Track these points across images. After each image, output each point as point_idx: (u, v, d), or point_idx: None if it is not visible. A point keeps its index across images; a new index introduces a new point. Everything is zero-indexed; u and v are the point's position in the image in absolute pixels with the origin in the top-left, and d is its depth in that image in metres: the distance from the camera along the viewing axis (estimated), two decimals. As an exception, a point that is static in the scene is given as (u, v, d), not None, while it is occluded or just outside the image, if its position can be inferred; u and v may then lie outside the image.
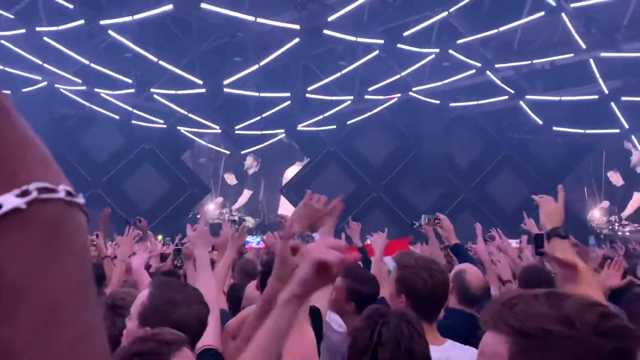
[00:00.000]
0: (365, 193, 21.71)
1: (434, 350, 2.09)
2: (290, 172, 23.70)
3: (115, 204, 17.98)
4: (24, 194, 0.44)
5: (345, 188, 21.47)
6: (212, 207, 23.93)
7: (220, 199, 24.46)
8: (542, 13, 14.11)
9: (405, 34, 14.43)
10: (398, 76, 16.52)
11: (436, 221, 4.71)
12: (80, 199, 0.47)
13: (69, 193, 0.46)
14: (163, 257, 5.52)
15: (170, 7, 14.11)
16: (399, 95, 17.87)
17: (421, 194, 20.83)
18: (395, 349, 1.79)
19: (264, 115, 17.90)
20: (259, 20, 14.07)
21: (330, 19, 13.41)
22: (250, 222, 22.89)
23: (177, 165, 21.61)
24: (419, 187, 20.87)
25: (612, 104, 17.51)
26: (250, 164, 24.56)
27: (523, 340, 1.02)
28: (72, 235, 0.46)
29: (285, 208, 21.29)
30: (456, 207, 20.43)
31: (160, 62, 14.85)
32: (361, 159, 21.95)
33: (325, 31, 13.93)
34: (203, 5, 13.94)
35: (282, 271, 1.75)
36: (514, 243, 6.50)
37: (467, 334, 2.82)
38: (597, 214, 24.94)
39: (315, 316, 2.63)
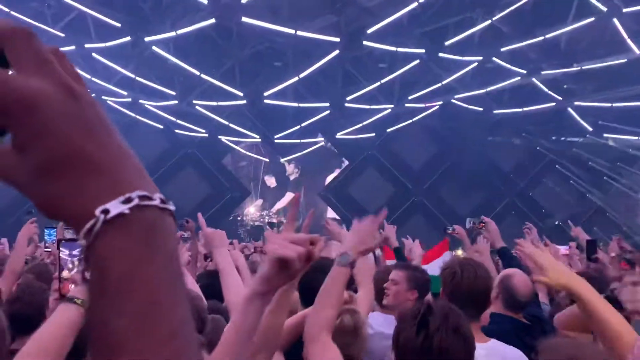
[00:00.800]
0: (405, 197, 21.41)
1: (479, 348, 2.08)
2: (331, 178, 23.70)
3: None
4: (128, 200, 0.49)
5: (385, 191, 21.40)
6: (252, 209, 24.18)
7: (260, 202, 24.66)
8: (592, 19, 13.55)
9: (447, 43, 14.13)
10: (439, 84, 16.22)
11: (481, 225, 4.63)
12: (171, 206, 0.53)
13: (162, 201, 0.52)
14: (206, 257, 5.64)
15: (212, 21, 14.36)
16: (440, 102, 17.57)
17: (463, 198, 20.38)
18: (444, 319, 1.82)
19: (303, 125, 17.94)
20: (299, 33, 14.11)
21: (369, 31, 13.30)
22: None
23: (218, 169, 21.90)
24: (461, 192, 20.45)
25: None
26: (292, 171, 24.70)
27: None
28: (166, 237, 0.51)
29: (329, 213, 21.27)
30: (500, 212, 19.87)
31: (202, 76, 15.08)
32: (400, 162, 21.65)
33: (365, 42, 13.83)
34: (244, 19, 14.10)
35: None
36: (562, 249, 6.25)
37: (515, 340, 2.81)
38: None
39: None
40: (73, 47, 14.79)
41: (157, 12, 14.45)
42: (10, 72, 0.50)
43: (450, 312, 1.88)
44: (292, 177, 24.46)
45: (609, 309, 1.98)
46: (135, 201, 0.49)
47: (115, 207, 0.49)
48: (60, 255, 2.31)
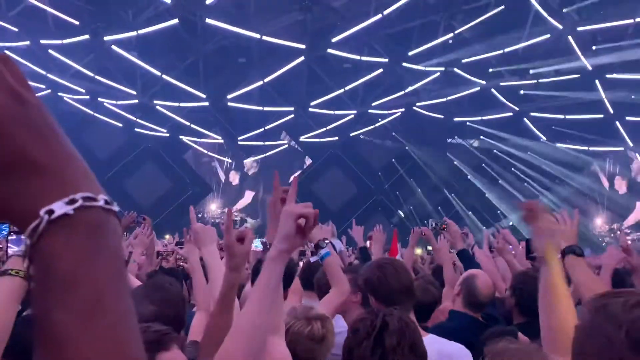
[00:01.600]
0: (368, 196, 21.65)
1: None
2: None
3: (117, 202, 17.94)
4: (72, 202, 0.51)
5: (347, 191, 21.59)
6: (213, 207, 23.94)
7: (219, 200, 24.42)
8: (548, 35, 14.05)
9: (411, 53, 14.37)
10: (402, 92, 16.48)
11: (443, 226, 4.73)
12: (115, 207, 0.55)
13: (106, 202, 0.54)
14: (158, 255, 5.58)
15: (175, 21, 14.09)
16: (402, 109, 17.85)
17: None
18: (401, 337, 1.78)
19: (267, 128, 17.88)
20: (265, 38, 14.03)
21: (334, 40, 13.36)
22: (250, 223, 22.88)
23: (179, 164, 21.55)
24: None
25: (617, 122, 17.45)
26: (250, 165, 24.56)
27: None
28: (109, 236, 0.53)
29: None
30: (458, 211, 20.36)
31: (164, 77, 14.80)
32: (363, 163, 21.81)
33: (330, 50, 13.89)
34: (208, 20, 13.91)
35: (233, 261, 1.90)
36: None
37: (471, 337, 2.86)
38: (599, 222, 24.94)
39: None
40: (27, 43, 14.31)
41: (118, 11, 14.05)
42: None
43: (406, 328, 1.82)
44: (250, 172, 24.32)
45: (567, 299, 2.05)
46: (80, 202, 0.51)
47: (60, 207, 0.51)
48: (8, 249, 2.31)
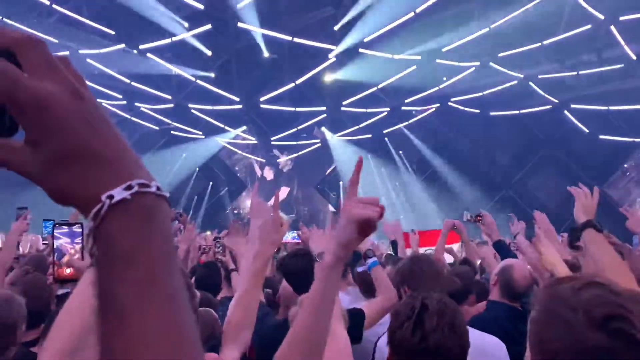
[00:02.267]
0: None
1: None
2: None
3: None
4: (129, 188, 0.56)
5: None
6: (249, 203, 24.15)
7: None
8: (589, 26, 13.50)
9: (444, 49, 14.07)
10: (436, 88, 16.18)
11: (479, 217, 4.66)
12: (166, 193, 0.60)
13: (158, 188, 0.59)
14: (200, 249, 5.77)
15: (208, 27, 14.22)
16: (437, 105, 17.54)
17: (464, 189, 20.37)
18: (440, 317, 1.81)
19: (299, 128, 17.91)
20: (296, 40, 14.00)
21: (366, 39, 13.21)
22: (284, 218, 22.92)
23: (214, 163, 21.81)
24: (457, 185, 20.45)
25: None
26: (285, 163, 24.70)
27: None
28: (161, 219, 0.58)
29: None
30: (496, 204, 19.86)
31: (199, 82, 15.00)
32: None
33: (362, 50, 13.74)
34: (240, 25, 13.98)
35: (272, 237, 2.13)
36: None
37: (509, 327, 2.90)
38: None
39: (358, 318, 2.89)
40: (67, 53, 14.73)
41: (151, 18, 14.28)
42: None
43: (445, 308, 1.84)
44: (285, 169, 24.43)
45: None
46: (135, 188, 0.56)
47: (119, 193, 0.56)
48: (57, 241, 2.39)
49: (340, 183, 21.06)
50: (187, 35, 14.57)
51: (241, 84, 16.65)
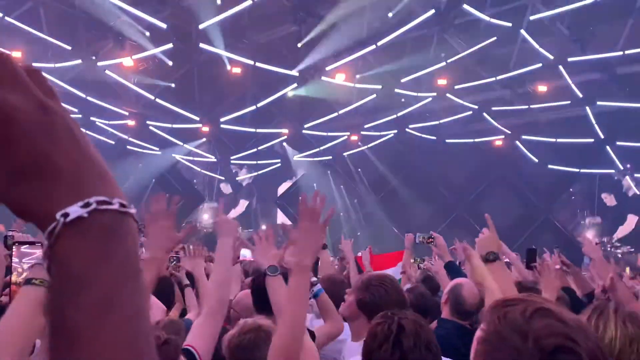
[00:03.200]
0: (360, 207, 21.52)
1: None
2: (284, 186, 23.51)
3: None
4: (86, 205, 0.54)
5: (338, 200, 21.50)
6: (206, 216, 23.81)
7: (213, 206, 24.21)
8: (540, 65, 14.18)
9: (403, 80, 14.45)
10: (395, 116, 16.56)
11: (430, 240, 4.73)
12: (132, 210, 0.57)
13: (122, 205, 0.56)
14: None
15: (169, 45, 14.10)
16: (395, 131, 17.93)
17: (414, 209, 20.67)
18: (417, 338, 1.88)
19: (260, 148, 17.92)
20: (258, 64, 14.06)
21: (328, 68, 13.42)
22: (242, 234, 22.69)
23: (171, 174, 21.36)
24: (412, 204, 20.77)
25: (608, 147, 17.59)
26: (244, 175, 24.51)
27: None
28: (123, 237, 0.56)
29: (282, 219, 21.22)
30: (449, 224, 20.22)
31: (158, 100, 14.81)
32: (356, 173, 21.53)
33: (324, 78, 13.93)
34: (202, 45, 13.92)
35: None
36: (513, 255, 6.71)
37: (459, 344, 2.96)
38: (589, 236, 25.09)
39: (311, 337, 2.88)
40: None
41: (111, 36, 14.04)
42: None
43: (421, 329, 1.92)
44: (244, 183, 24.22)
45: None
46: (93, 205, 0.54)
47: (75, 211, 0.54)
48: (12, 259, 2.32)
49: (300, 198, 21.06)
50: (150, 53, 14.36)
51: (202, 98, 16.50)
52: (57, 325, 0.52)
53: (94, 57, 14.22)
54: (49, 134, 0.55)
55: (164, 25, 13.37)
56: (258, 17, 13.98)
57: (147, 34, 13.74)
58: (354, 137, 17.75)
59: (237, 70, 14.20)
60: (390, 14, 12.63)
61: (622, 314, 2.23)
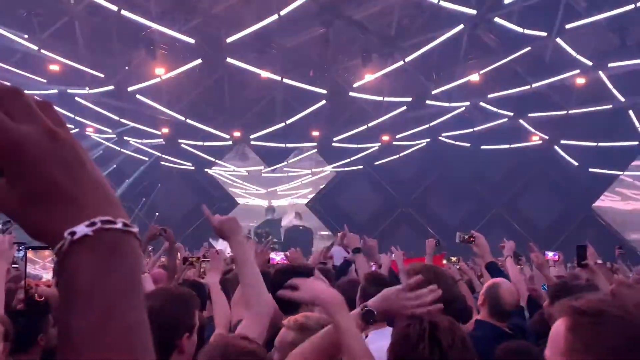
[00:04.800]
0: (392, 209, 21.19)
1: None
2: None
3: (147, 220, 18.43)
4: (92, 224, 0.59)
5: (373, 202, 21.29)
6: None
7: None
8: (577, 71, 13.61)
9: (434, 92, 14.12)
10: (427, 125, 16.24)
11: (471, 239, 4.54)
12: (134, 229, 0.62)
13: (125, 224, 0.61)
14: (185, 261, 5.41)
15: (198, 61, 14.12)
16: (428, 139, 17.60)
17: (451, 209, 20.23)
18: (453, 333, 1.82)
19: (289, 162, 17.91)
20: (286, 80, 13.99)
21: (355, 84, 13.22)
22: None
23: (205, 179, 21.51)
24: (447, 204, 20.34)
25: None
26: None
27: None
28: (125, 254, 0.60)
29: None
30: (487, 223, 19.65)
31: (188, 121, 14.97)
32: (389, 175, 21.25)
33: (352, 93, 13.75)
34: (229, 60, 13.85)
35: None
36: (551, 255, 6.58)
37: (494, 347, 2.81)
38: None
39: None
40: (55, 91, 14.65)
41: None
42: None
43: (454, 325, 1.87)
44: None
45: None
46: (98, 225, 0.59)
47: (81, 230, 0.58)
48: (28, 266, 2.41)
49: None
50: (178, 71, 14.47)
51: (232, 107, 16.54)
52: (64, 333, 0.57)
53: (127, 67, 14.36)
54: (57, 161, 0.60)
55: (191, 41, 13.34)
56: (285, 21, 13.72)
57: (177, 43, 13.76)
58: (386, 138, 17.30)
59: (265, 79, 14.04)
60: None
61: None
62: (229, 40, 13.19)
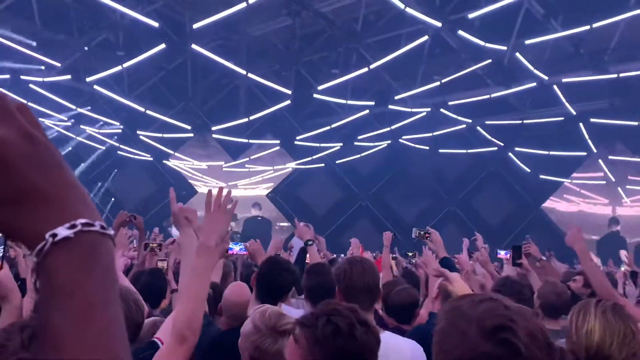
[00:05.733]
0: (352, 202, 21.41)
1: None
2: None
3: (102, 206, 18.06)
4: (72, 227, 0.61)
5: (333, 196, 21.47)
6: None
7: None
8: (534, 84, 14.11)
9: (397, 97, 14.34)
10: (388, 128, 16.48)
11: (426, 235, 4.70)
12: (110, 231, 0.65)
13: (102, 227, 0.63)
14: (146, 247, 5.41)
15: (162, 46, 13.70)
16: (388, 141, 17.87)
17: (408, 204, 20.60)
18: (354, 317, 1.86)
19: (251, 158, 17.82)
20: (250, 75, 13.87)
21: (320, 87, 13.27)
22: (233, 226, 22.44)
23: (164, 167, 21.08)
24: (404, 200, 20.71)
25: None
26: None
27: None
28: (103, 255, 0.62)
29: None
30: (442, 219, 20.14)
31: (148, 112, 14.64)
32: (350, 171, 21.42)
33: (316, 95, 13.80)
34: (194, 46, 13.53)
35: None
36: (503, 254, 6.86)
37: None
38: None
39: None
40: (7, 76, 14.01)
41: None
42: None
43: (353, 309, 1.90)
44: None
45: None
46: (79, 227, 0.61)
47: (62, 231, 0.61)
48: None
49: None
50: (142, 57, 14.00)
51: (194, 93, 16.23)
52: (44, 332, 0.58)
53: (86, 48, 13.84)
54: (35, 163, 0.61)
55: (155, 24, 12.93)
56: (251, 10, 13.50)
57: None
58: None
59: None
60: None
61: (603, 306, 2.40)
62: (195, 26, 12.83)
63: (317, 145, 17.39)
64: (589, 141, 17.19)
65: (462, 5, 11.65)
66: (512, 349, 1.21)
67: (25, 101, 15.08)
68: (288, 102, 14.06)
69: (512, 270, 5.56)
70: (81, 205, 0.63)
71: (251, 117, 15.26)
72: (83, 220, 0.61)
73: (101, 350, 0.57)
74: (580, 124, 16.31)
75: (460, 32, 11.37)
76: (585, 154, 17.98)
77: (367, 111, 15.32)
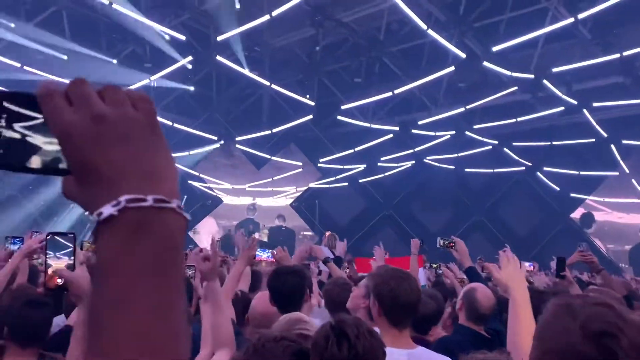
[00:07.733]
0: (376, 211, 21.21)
1: (403, 353, 2.41)
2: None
3: None
4: (117, 204, 0.59)
5: (357, 206, 21.29)
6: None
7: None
8: (562, 108, 13.81)
9: (421, 122, 14.23)
10: (411, 150, 16.36)
11: (451, 244, 4.66)
12: (173, 204, 0.60)
13: (157, 200, 0.59)
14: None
15: (189, 58, 13.93)
16: (412, 162, 17.73)
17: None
18: (358, 327, 1.91)
19: (274, 179, 17.94)
20: (274, 86, 13.96)
21: (343, 107, 13.27)
22: (264, 234, 22.26)
23: (190, 176, 21.26)
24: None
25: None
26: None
27: None
28: (152, 233, 0.59)
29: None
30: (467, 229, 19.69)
31: (175, 125, 14.93)
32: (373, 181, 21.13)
33: (340, 117, 13.81)
34: (218, 58, 13.69)
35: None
36: (527, 265, 6.79)
37: (471, 351, 2.92)
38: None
39: None
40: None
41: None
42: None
43: (358, 320, 1.98)
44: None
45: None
46: (123, 204, 0.59)
47: (107, 209, 0.59)
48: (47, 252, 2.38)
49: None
50: (168, 70, 14.25)
51: (220, 104, 16.44)
52: (89, 313, 0.57)
53: (114, 61, 14.20)
54: (96, 143, 0.60)
55: (182, 37, 13.16)
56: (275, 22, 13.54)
57: (167, 37, 13.57)
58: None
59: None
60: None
61: None
62: (219, 38, 12.99)
63: (340, 167, 17.34)
64: (621, 162, 16.69)
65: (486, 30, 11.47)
66: (611, 355, 1.22)
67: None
68: (310, 116, 14.07)
69: (542, 283, 5.54)
70: (142, 180, 0.60)
71: (274, 130, 15.35)
72: (128, 196, 0.58)
73: (140, 335, 0.55)
74: (612, 146, 15.86)
75: (485, 63, 11.21)
76: (617, 173, 17.43)
77: (391, 135, 15.22)
